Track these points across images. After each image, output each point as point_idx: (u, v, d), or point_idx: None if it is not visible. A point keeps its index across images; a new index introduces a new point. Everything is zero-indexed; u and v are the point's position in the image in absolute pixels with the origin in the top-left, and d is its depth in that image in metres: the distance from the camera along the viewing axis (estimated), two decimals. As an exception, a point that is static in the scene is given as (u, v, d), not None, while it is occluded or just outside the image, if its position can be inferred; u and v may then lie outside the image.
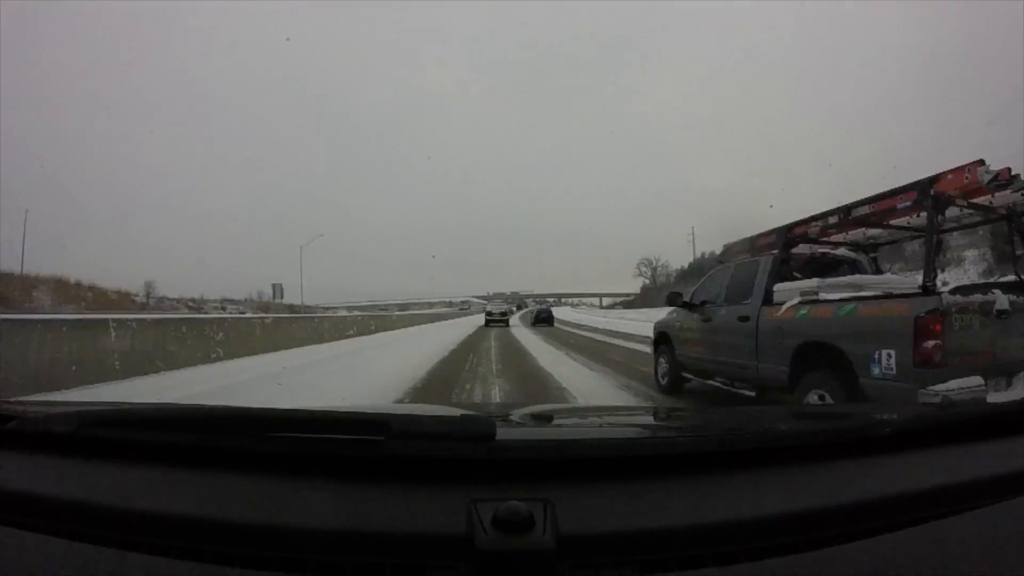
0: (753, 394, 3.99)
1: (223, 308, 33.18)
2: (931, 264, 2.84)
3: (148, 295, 33.63)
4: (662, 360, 5.68)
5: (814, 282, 3.63)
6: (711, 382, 4.65)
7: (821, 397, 3.13)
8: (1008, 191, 2.99)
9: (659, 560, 0.60)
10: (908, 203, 3.17)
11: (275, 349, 10.78)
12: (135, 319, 7.87)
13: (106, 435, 0.81)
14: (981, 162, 2.88)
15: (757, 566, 0.59)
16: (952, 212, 3.27)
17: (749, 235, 4.63)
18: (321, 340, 13.49)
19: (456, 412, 1.25)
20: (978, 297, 2.79)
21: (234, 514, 0.65)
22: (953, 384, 2.54)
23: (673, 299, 5.37)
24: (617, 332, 18.51)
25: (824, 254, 4.43)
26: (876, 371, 2.82)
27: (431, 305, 70.53)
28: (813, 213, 3.90)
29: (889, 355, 2.76)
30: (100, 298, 28.18)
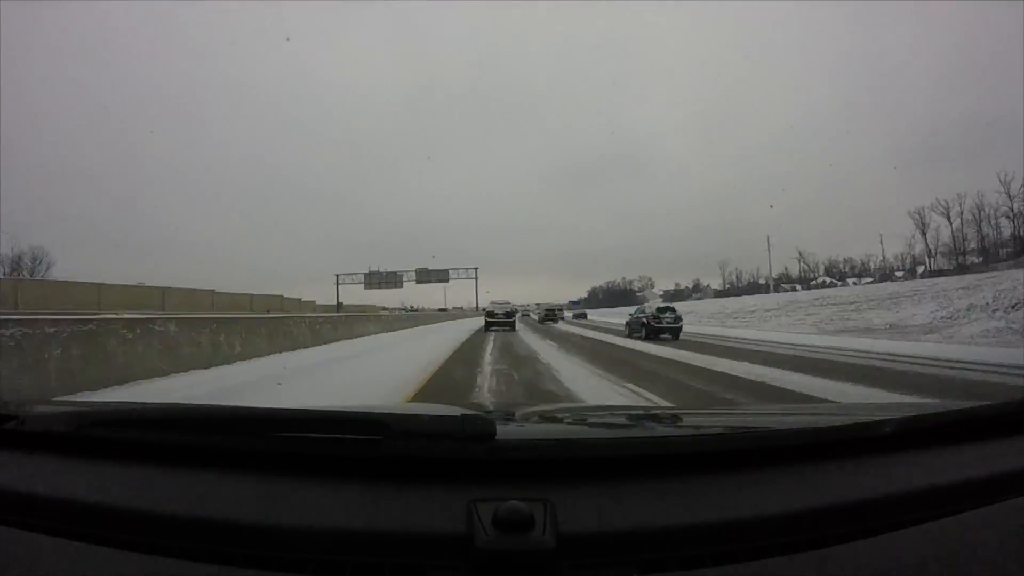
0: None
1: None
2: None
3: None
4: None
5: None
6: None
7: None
8: None
9: (659, 560, 0.60)
10: None
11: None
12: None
13: (105, 435, 0.81)
14: None
15: (757, 566, 0.59)
16: None
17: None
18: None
19: (456, 411, 1.24)
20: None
21: (233, 514, 0.65)
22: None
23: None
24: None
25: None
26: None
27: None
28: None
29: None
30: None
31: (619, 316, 32.48)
